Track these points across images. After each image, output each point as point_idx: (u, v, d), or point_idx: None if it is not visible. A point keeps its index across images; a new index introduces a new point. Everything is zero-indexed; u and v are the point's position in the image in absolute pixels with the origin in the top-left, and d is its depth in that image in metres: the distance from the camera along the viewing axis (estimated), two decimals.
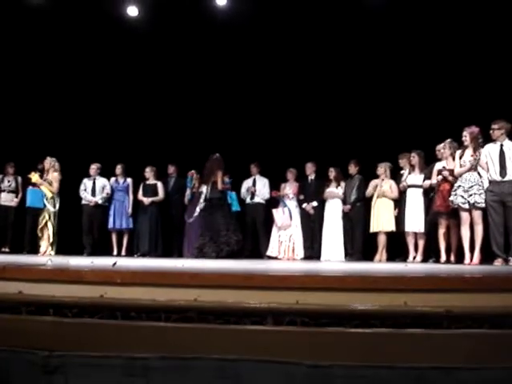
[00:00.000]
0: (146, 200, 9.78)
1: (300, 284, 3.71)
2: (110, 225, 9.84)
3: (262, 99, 10.03)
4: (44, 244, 9.03)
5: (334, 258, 8.88)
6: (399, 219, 8.39)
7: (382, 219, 8.54)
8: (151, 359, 2.67)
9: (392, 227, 8.50)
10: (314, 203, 9.34)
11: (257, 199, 9.75)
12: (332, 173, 9.19)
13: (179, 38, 10.07)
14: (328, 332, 3.18)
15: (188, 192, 9.79)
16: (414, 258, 8.13)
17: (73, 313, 3.84)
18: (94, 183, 9.91)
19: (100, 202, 9.83)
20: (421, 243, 8.14)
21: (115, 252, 9.81)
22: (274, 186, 9.75)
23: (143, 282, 4.08)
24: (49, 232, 9.03)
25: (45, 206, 9.05)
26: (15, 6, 9.57)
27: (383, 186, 8.56)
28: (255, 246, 9.67)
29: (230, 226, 8.91)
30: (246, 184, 9.86)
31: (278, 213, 9.43)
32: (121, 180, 10.04)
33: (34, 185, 9.14)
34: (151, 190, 9.89)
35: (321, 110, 9.78)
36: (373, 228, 8.66)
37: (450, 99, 8.77)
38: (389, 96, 9.33)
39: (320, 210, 9.30)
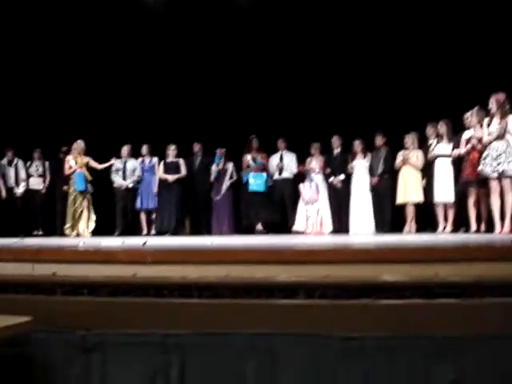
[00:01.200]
0: (171, 177, 9.75)
1: (329, 258, 3.71)
2: (138, 205, 9.88)
3: (286, 75, 9.99)
4: (84, 224, 9.26)
5: (362, 231, 8.85)
6: (428, 190, 8.28)
7: (409, 190, 8.47)
8: (185, 336, 2.72)
9: (420, 198, 8.44)
10: (341, 176, 9.30)
11: (285, 174, 9.75)
12: (358, 145, 9.13)
13: (197, 18, 10.05)
14: (359, 304, 3.18)
15: (214, 169, 9.80)
16: (444, 228, 8.05)
17: (107, 292, 3.90)
18: (124, 166, 9.91)
19: (131, 185, 9.85)
20: (451, 213, 8.05)
21: (145, 231, 9.83)
22: (301, 160, 9.71)
23: (174, 260, 4.13)
24: (90, 214, 9.30)
25: (87, 188, 9.29)
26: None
27: (411, 157, 8.46)
28: (284, 220, 9.67)
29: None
30: (274, 160, 9.84)
31: (304, 187, 9.43)
32: (147, 160, 10.03)
33: (81, 168, 9.32)
34: (174, 168, 9.87)
35: (345, 83, 9.71)
36: (400, 199, 8.59)
37: (476, 66, 8.61)
38: (413, 65, 9.22)
39: (347, 183, 9.25)
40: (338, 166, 9.41)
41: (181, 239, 7.69)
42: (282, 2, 9.70)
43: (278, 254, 3.90)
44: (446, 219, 8.10)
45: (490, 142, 6.89)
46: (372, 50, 9.51)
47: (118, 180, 9.90)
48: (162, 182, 9.84)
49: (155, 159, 10.03)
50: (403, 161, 8.58)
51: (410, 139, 8.59)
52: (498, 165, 6.75)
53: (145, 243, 5.11)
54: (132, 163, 9.96)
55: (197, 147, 10.16)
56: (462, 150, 7.57)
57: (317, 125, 9.62)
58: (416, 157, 8.47)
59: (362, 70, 9.59)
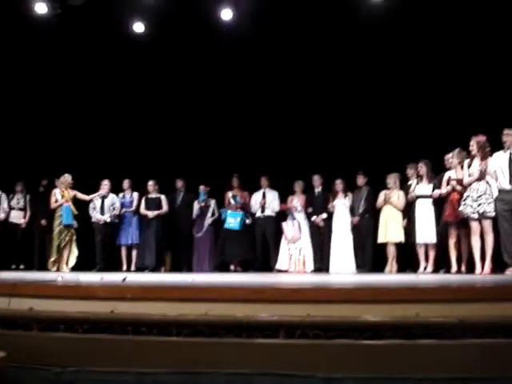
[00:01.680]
0: (151, 213, 9.67)
1: (311, 297, 3.69)
2: (119, 240, 9.75)
3: (268, 112, 10.06)
4: (72, 260, 9.17)
5: (343, 270, 8.82)
6: (409, 230, 8.31)
7: (390, 230, 8.49)
8: (162, 374, 2.66)
9: (401, 238, 8.46)
10: (324, 215, 9.31)
11: (267, 212, 9.73)
12: (339, 185, 9.16)
13: (184, 53, 10.11)
14: (340, 344, 3.16)
15: (197, 206, 9.80)
16: (425, 268, 8.05)
17: (84, 329, 3.83)
18: (102, 201, 9.75)
19: (108, 220, 9.67)
20: (431, 254, 8.05)
21: (124, 267, 9.65)
22: (284, 198, 9.73)
23: (153, 296, 4.08)
24: (72, 248, 9.17)
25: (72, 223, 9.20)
26: (22, 21, 9.60)
27: (392, 197, 8.52)
28: (265, 259, 9.64)
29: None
30: (256, 197, 9.85)
31: (287, 226, 9.42)
32: (127, 195, 9.94)
33: (67, 202, 9.20)
34: (155, 204, 9.78)
35: (327, 123, 9.79)
36: (381, 238, 8.61)
37: (457, 108, 8.74)
38: (395, 106, 9.33)
39: (328, 222, 9.26)
40: (319, 204, 9.42)
41: (161, 276, 7.61)
42: (259, 44, 9.78)
43: (259, 292, 3.86)
44: (426, 259, 8.10)
45: (471, 184, 6.95)
46: (354, 91, 9.62)
47: (95, 215, 9.72)
48: (143, 218, 9.77)
49: (135, 194, 9.93)
50: (385, 200, 8.62)
51: (392, 179, 8.65)
52: (479, 206, 6.80)
53: (124, 279, 5.04)
54: (110, 198, 9.79)
55: (180, 183, 10.12)
56: (443, 190, 7.63)
57: (299, 163, 9.67)
58: (398, 197, 8.52)
59: (345, 111, 9.68)
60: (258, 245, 9.69)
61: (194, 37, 9.84)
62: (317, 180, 9.59)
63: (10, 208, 10.12)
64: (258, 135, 10.05)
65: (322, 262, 9.28)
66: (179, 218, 9.90)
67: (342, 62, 9.63)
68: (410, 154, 8.55)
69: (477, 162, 6.99)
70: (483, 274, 6.74)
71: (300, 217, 9.46)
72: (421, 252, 8.15)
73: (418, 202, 8.17)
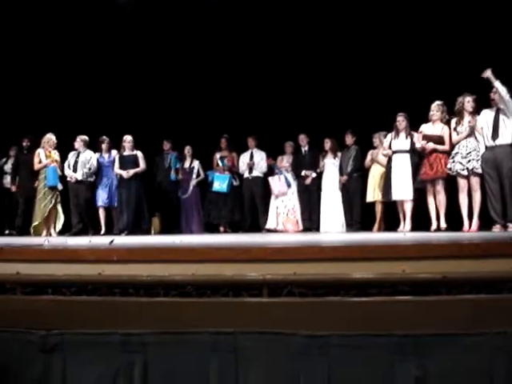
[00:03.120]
0: (125, 173, 9.02)
1: (296, 256, 3.70)
2: (97, 202, 9.21)
3: (256, 71, 9.94)
4: (58, 224, 9.00)
5: (333, 229, 8.86)
6: (386, 188, 8.00)
7: (378, 189, 8.47)
8: (147, 335, 2.67)
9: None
10: (313, 174, 9.30)
11: (255, 173, 9.71)
12: (327, 144, 9.14)
13: (173, 15, 9.96)
14: (326, 302, 3.17)
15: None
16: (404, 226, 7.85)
17: (71, 291, 3.84)
18: (77, 157, 9.18)
19: (80, 177, 9.04)
20: (408, 211, 7.77)
21: (103, 230, 9.14)
22: (273, 158, 9.72)
23: (140, 258, 4.08)
24: (58, 212, 8.98)
25: (57, 184, 8.97)
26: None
27: (378, 155, 8.48)
28: (254, 219, 9.66)
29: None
30: (244, 158, 9.82)
31: (273, 180, 9.42)
32: (106, 154, 9.35)
33: (52, 162, 8.99)
34: (130, 162, 9.14)
35: (315, 81, 9.68)
36: (369, 197, 8.62)
37: (442, 65, 8.65)
38: (381, 61, 9.22)
39: (318, 181, 9.26)
40: (307, 163, 9.41)
41: (148, 238, 7.61)
42: (251, 7, 9.64)
43: (245, 252, 3.86)
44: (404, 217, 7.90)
45: (459, 141, 6.95)
46: (341, 48, 9.50)
47: (68, 172, 9.12)
48: (120, 178, 9.19)
49: (115, 152, 9.32)
50: (372, 160, 8.60)
51: (377, 138, 8.61)
52: (468, 162, 6.81)
53: (112, 242, 5.03)
54: (86, 155, 9.20)
55: (167, 145, 10.06)
56: (417, 144, 7.48)
57: (287, 123, 9.62)
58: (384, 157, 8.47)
59: (333, 68, 9.58)
60: (246, 206, 9.70)
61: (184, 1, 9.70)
62: (303, 139, 9.57)
63: (4, 173, 9.96)
64: (245, 95, 9.96)
65: (311, 222, 9.32)
66: (167, 181, 9.87)
67: (328, 20, 9.50)
68: (397, 111, 8.42)
69: (466, 119, 6.97)
70: (471, 231, 6.79)
71: (289, 176, 9.45)
72: (401, 210, 7.93)
73: (395, 158, 7.83)
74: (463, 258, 3.67)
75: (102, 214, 9.26)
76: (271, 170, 9.66)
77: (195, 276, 3.62)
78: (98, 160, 9.27)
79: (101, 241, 5.79)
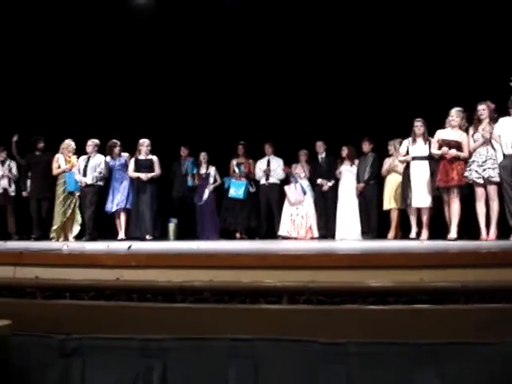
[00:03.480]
0: (144, 175, 8.79)
1: (314, 263, 3.71)
2: (108, 207, 8.94)
3: (273, 78, 9.99)
4: (76, 228, 8.93)
5: (349, 236, 8.83)
6: (406, 195, 7.86)
7: (394, 197, 8.40)
8: (166, 340, 2.68)
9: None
10: (329, 183, 9.30)
11: (271, 180, 9.71)
12: (344, 151, 9.11)
13: (190, 20, 10.04)
14: (343, 309, 3.17)
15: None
16: (418, 234, 7.77)
17: (89, 296, 3.87)
18: (87, 162, 8.92)
19: (90, 181, 8.75)
20: (425, 218, 7.69)
21: (121, 235, 8.85)
22: (288, 166, 9.72)
23: (158, 264, 4.11)
24: (76, 216, 8.91)
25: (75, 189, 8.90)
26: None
27: (396, 164, 8.44)
28: (270, 226, 9.66)
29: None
30: (261, 164, 9.84)
31: (290, 189, 9.41)
32: (117, 158, 9.05)
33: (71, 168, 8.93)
34: (146, 166, 8.91)
35: (332, 88, 9.71)
36: (386, 205, 8.57)
37: (461, 73, 8.63)
38: (399, 70, 9.21)
39: (334, 188, 9.25)
40: (324, 170, 9.41)
41: (166, 244, 7.64)
42: (269, 11, 9.68)
43: (263, 258, 3.88)
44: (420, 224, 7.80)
45: (475, 149, 6.91)
46: (360, 57, 9.52)
47: (78, 177, 8.84)
48: (135, 182, 8.93)
49: (126, 155, 9.08)
50: (388, 169, 8.56)
51: (392, 146, 8.56)
52: (484, 171, 6.77)
53: (130, 247, 5.07)
54: (96, 159, 8.93)
55: (185, 151, 10.08)
56: (435, 151, 7.32)
57: (304, 130, 9.63)
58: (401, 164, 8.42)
59: (351, 76, 9.59)
60: (262, 212, 9.70)
61: (198, 6, 9.74)
62: (320, 146, 9.56)
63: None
64: (262, 102, 10.01)
65: (327, 229, 9.30)
66: (184, 187, 9.90)
67: (347, 28, 9.53)
68: (412, 118, 8.35)
69: (482, 127, 6.93)
70: (489, 239, 6.74)
71: (304, 183, 9.45)
72: (413, 217, 7.84)
73: (413, 164, 7.76)
74: (481, 267, 3.66)
75: (122, 217, 8.95)
76: (288, 177, 9.65)
77: (213, 282, 3.64)
78: (108, 164, 9.02)
79: (119, 246, 5.81)
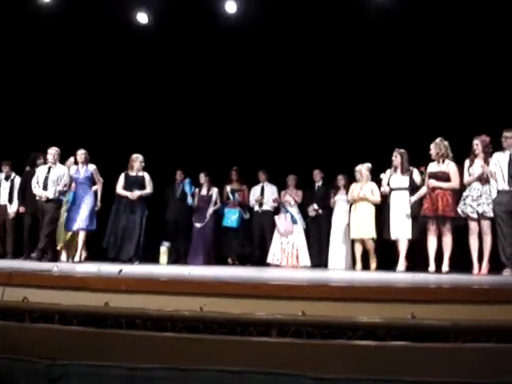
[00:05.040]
0: (131, 194, 8.26)
1: (305, 294, 3.68)
2: (71, 225, 8.18)
3: (270, 105, 10.04)
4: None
5: (341, 266, 8.79)
6: (384, 226, 7.86)
7: (363, 225, 8.21)
8: (153, 369, 2.65)
9: (373, 234, 8.18)
10: (315, 206, 9.28)
11: (265, 207, 9.69)
12: (342, 180, 9.08)
13: (186, 46, 10.08)
14: (333, 344, 3.14)
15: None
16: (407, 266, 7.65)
17: (78, 320, 3.83)
18: (48, 173, 8.11)
19: (51, 196, 8.01)
20: (403, 250, 7.60)
21: (83, 256, 8.19)
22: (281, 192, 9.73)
23: (148, 289, 4.07)
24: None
25: None
26: (24, 8, 9.62)
27: (363, 190, 8.26)
28: (263, 253, 9.61)
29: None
30: (255, 192, 9.82)
31: (279, 219, 9.38)
32: (82, 169, 8.25)
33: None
34: (137, 184, 8.37)
35: (328, 116, 9.75)
36: (353, 234, 8.36)
37: (453, 107, 8.74)
38: (391, 100, 9.32)
39: (328, 217, 9.22)
40: (319, 199, 9.41)
41: (158, 268, 7.58)
42: (261, 39, 9.75)
43: (254, 288, 3.85)
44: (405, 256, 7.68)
45: (470, 183, 6.93)
46: (354, 87, 9.59)
47: (37, 190, 8.07)
48: (123, 200, 8.42)
49: (93, 167, 8.32)
50: (357, 196, 8.33)
51: (358, 173, 8.42)
52: (478, 205, 6.79)
53: (120, 271, 5.03)
54: (58, 170, 8.14)
55: (179, 174, 10.03)
56: (423, 189, 7.35)
57: (300, 157, 9.65)
58: (371, 190, 8.26)
59: (346, 106, 9.66)
60: (255, 240, 9.67)
61: (197, 29, 9.80)
62: (317, 174, 9.56)
63: None
64: (258, 128, 10.03)
65: (320, 258, 9.27)
66: (179, 210, 9.84)
67: (340, 58, 9.61)
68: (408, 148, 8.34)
69: (478, 161, 6.95)
70: (480, 274, 6.73)
71: (293, 211, 9.43)
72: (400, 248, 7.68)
73: (393, 195, 7.76)
74: (473, 303, 3.64)
75: (81, 237, 8.14)
76: (279, 205, 9.64)
77: (203, 312, 3.61)
78: (71, 176, 8.27)
79: (109, 269, 5.76)
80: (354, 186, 8.47)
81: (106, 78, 10.37)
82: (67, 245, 8.51)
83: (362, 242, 8.32)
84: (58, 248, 8.51)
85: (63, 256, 8.51)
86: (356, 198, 8.33)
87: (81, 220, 8.08)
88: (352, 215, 8.41)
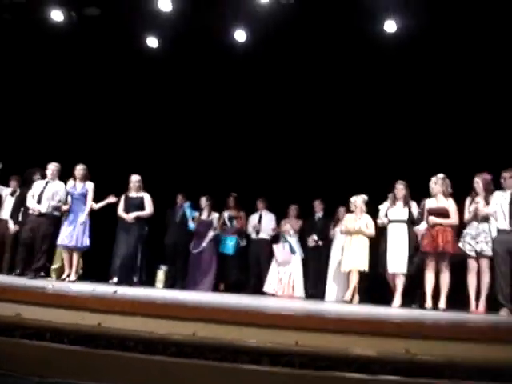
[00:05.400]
0: (128, 216, 8.16)
1: (299, 324, 3.65)
2: (59, 240, 7.97)
3: (275, 134, 10.08)
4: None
5: (338, 298, 8.70)
6: (381, 259, 7.62)
7: (355, 257, 7.97)
8: None
9: (365, 266, 7.95)
10: (314, 237, 9.24)
11: (262, 235, 9.63)
12: (342, 213, 9.04)
13: (191, 71, 10.16)
14: (325, 377, 3.11)
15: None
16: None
17: (69, 339, 3.80)
18: (44, 187, 8.10)
19: (44, 210, 7.94)
20: (400, 284, 7.38)
21: (65, 274, 8.02)
22: (280, 221, 9.69)
23: (142, 312, 4.04)
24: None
25: None
26: (37, 27, 9.73)
27: (358, 222, 8.11)
28: (258, 282, 9.54)
29: None
30: (252, 220, 9.80)
31: (278, 248, 9.31)
32: (79, 185, 8.12)
33: None
34: (135, 205, 8.27)
35: (329, 147, 9.79)
36: (345, 266, 8.10)
37: (453, 143, 8.75)
38: (396, 136, 9.33)
39: (327, 248, 9.17)
40: (319, 230, 9.37)
41: (153, 291, 7.53)
42: (265, 67, 9.85)
43: (248, 315, 3.82)
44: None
45: (470, 221, 6.92)
46: (357, 120, 9.65)
47: (31, 203, 8.03)
48: (121, 222, 8.36)
49: (90, 185, 8.15)
50: (350, 229, 8.15)
51: (353, 205, 8.25)
52: (477, 244, 6.77)
53: (115, 292, 5.01)
54: (55, 185, 8.12)
55: (181, 199, 10.00)
56: (423, 225, 7.22)
57: (300, 186, 9.65)
58: (366, 224, 8.09)
59: (348, 136, 9.69)
60: (251, 267, 9.58)
61: (205, 56, 9.90)
62: (318, 205, 9.53)
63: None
64: (260, 156, 10.06)
65: (317, 288, 9.20)
66: (178, 234, 9.80)
67: (343, 91, 9.68)
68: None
69: (479, 200, 6.94)
70: (478, 312, 6.68)
71: (292, 241, 9.39)
72: (394, 282, 7.47)
73: (391, 227, 7.59)
74: (469, 341, 3.61)
75: (74, 256, 8.01)
76: (278, 234, 9.61)
77: (195, 337, 3.58)
78: (67, 192, 8.16)
79: (104, 290, 5.73)
80: (348, 217, 8.33)
81: (111, 100, 10.46)
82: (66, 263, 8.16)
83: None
84: (55, 266, 8.50)
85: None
86: (351, 230, 8.19)
87: (75, 238, 7.91)
88: (345, 247, 8.21)
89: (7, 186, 9.26)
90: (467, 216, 7.00)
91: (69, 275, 7.97)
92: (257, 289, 9.34)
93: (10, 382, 2.85)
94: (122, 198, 8.41)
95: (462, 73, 8.87)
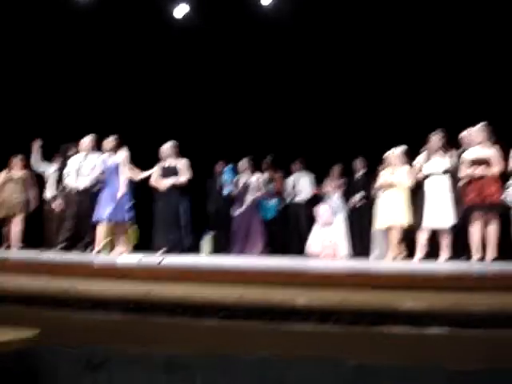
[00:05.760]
0: (163, 184, 7.88)
1: (346, 282, 3.64)
2: (94, 216, 7.56)
3: (308, 95, 10.04)
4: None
5: (382, 255, 8.65)
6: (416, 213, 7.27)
7: (393, 212, 7.59)
8: (193, 357, 2.66)
9: (404, 221, 7.51)
10: (357, 197, 9.21)
11: (300, 197, 9.65)
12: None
13: (220, 38, 10.22)
14: (374, 331, 3.10)
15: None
16: (426, 255, 7.13)
17: (120, 309, 3.87)
18: (81, 162, 7.87)
19: (87, 185, 7.75)
20: (446, 240, 7.04)
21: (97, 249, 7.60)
22: (319, 182, 9.64)
23: (189, 279, 4.09)
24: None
25: None
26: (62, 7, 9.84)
27: (394, 175, 7.73)
28: (300, 243, 9.52)
29: None
30: (290, 182, 9.78)
31: (320, 210, 9.28)
32: (111, 156, 7.72)
33: None
34: (171, 173, 7.99)
35: (368, 104, 9.79)
36: (382, 223, 7.80)
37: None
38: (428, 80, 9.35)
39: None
40: (359, 188, 9.30)
41: (199, 258, 7.60)
42: (296, 30, 9.84)
43: (294, 276, 3.84)
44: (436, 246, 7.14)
45: None
46: (388, 74, 9.63)
47: (70, 181, 7.82)
48: (156, 192, 8.12)
49: (123, 154, 7.70)
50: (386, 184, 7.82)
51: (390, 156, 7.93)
52: None
53: (160, 261, 5.07)
54: (93, 158, 7.83)
55: (220, 167, 10.03)
56: (468, 171, 6.74)
57: (340, 146, 9.59)
58: (401, 176, 7.66)
59: (386, 92, 9.63)
60: (292, 230, 9.62)
61: (232, 22, 9.86)
62: (358, 164, 9.44)
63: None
64: (296, 117, 10.04)
65: (361, 247, 9.17)
66: (219, 201, 9.85)
67: (376, 50, 9.69)
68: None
69: None
70: None
71: (335, 201, 9.35)
72: (422, 238, 7.15)
73: (430, 180, 7.13)
74: None
75: (100, 230, 7.66)
76: (317, 196, 9.55)
77: (243, 299, 3.60)
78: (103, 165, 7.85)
79: (150, 260, 5.81)
80: (383, 173, 7.95)
81: (143, 71, 10.53)
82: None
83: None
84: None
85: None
86: (383, 185, 7.82)
87: (117, 211, 7.51)
88: (382, 203, 7.84)
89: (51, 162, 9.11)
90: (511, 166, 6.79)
91: (115, 248, 7.71)
92: (299, 251, 9.32)
93: (64, 352, 2.93)
94: (157, 168, 8.14)
95: (456, 32, 8.99)
